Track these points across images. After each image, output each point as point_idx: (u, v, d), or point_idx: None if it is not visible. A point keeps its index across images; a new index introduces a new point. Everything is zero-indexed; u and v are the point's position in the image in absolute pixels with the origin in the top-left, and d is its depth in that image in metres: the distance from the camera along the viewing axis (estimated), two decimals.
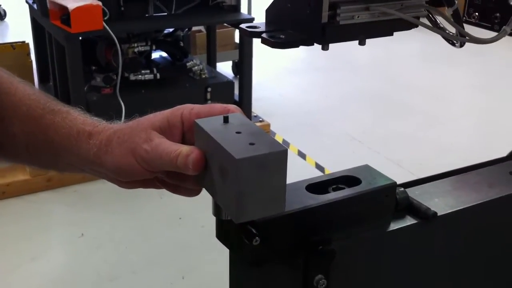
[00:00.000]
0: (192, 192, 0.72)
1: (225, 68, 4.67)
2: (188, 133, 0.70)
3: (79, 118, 0.73)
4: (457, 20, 0.66)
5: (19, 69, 3.69)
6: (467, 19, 1.15)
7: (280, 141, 3.74)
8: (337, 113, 4.26)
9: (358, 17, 0.62)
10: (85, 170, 0.73)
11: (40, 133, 0.72)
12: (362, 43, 0.65)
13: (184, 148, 0.65)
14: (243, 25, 0.67)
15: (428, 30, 0.69)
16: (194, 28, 4.31)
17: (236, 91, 3.75)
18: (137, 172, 0.68)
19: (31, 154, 0.75)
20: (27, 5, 3.80)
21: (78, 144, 0.71)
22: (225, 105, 0.69)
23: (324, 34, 0.62)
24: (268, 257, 0.71)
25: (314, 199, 0.74)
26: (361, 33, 0.64)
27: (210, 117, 0.68)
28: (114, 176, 0.71)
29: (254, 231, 0.68)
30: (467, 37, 0.66)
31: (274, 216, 0.67)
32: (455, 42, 0.70)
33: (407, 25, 0.65)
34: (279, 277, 0.74)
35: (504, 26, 0.66)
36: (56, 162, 0.75)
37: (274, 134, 3.82)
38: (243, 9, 3.83)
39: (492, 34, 0.76)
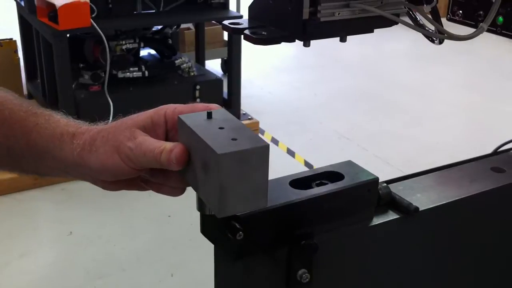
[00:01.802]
0: (176, 191, 0.72)
1: (214, 65, 4.67)
2: (171, 131, 0.71)
3: (61, 121, 0.74)
4: (435, 17, 0.67)
5: (6, 66, 3.67)
6: (451, 17, 1.17)
7: (269, 139, 3.75)
8: (326, 111, 4.28)
9: (338, 14, 0.63)
10: (68, 172, 0.73)
11: (22, 136, 0.72)
12: (343, 40, 0.66)
13: (168, 144, 0.66)
14: (226, 22, 0.67)
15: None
16: (183, 26, 4.30)
17: (225, 89, 3.75)
18: (122, 171, 0.69)
19: (12, 158, 0.74)
20: (14, 2, 3.77)
21: (61, 146, 0.71)
22: (207, 104, 0.70)
23: (305, 31, 0.63)
24: (252, 251, 0.72)
25: (297, 194, 0.75)
26: (342, 30, 0.65)
27: (194, 113, 0.69)
28: (98, 176, 0.71)
29: (237, 225, 0.69)
30: (445, 34, 0.67)
31: (258, 210, 0.68)
32: (434, 39, 0.72)
33: (388, 22, 0.66)
34: (263, 271, 0.75)
35: (481, 23, 0.67)
36: (37, 165, 0.74)
37: (263, 132, 3.83)
38: (232, 7, 3.83)
39: (472, 31, 0.77)
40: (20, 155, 0.73)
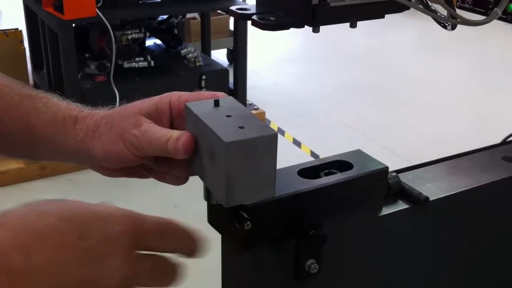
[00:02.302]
0: (180, 180, 0.71)
1: (219, 55, 4.65)
2: (176, 120, 0.69)
3: (61, 103, 0.72)
4: (448, 1, 0.65)
5: (12, 56, 3.66)
6: (461, 4, 1.15)
7: (276, 129, 3.74)
8: (332, 102, 4.26)
9: None
10: (67, 157, 0.72)
11: (19, 120, 0.70)
12: (353, 25, 0.65)
13: (174, 132, 0.65)
14: (233, 7, 0.66)
15: (422, 14, 0.69)
16: (188, 15, 4.29)
17: (231, 79, 3.74)
18: (126, 158, 0.67)
19: (7, 142, 0.72)
20: None
21: (64, 130, 0.69)
22: (213, 92, 0.69)
23: (315, 16, 0.62)
24: (260, 241, 0.71)
25: (305, 183, 0.74)
26: (352, 15, 0.64)
27: (201, 101, 0.68)
28: (101, 163, 0.70)
29: (245, 215, 0.67)
30: (458, 19, 0.65)
31: (266, 200, 0.67)
32: (446, 24, 0.70)
33: (399, 7, 0.64)
34: (271, 261, 0.74)
35: (495, 8, 0.66)
36: (34, 150, 0.73)
37: (269, 122, 3.82)
38: None
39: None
40: (15, 140, 0.71)
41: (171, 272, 0.58)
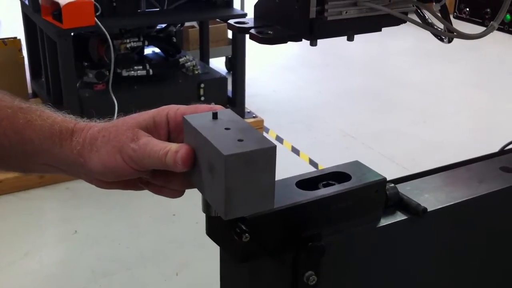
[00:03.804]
0: (176, 193, 0.71)
1: (218, 64, 4.66)
2: (173, 133, 0.70)
3: (56, 116, 0.71)
4: (444, 15, 0.66)
5: (10, 65, 3.67)
6: (458, 14, 1.15)
7: (274, 137, 3.74)
8: (331, 110, 4.26)
9: (346, 12, 0.62)
10: (62, 170, 0.71)
11: (14, 134, 0.69)
12: (350, 39, 0.65)
13: (173, 145, 0.65)
14: (231, 21, 0.66)
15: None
16: (187, 24, 4.30)
17: (230, 87, 3.74)
18: (123, 172, 0.67)
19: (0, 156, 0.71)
20: (18, 1, 3.77)
21: (61, 143, 0.69)
22: (211, 105, 0.69)
23: (312, 30, 0.62)
24: (258, 253, 0.71)
25: (304, 195, 0.74)
26: (349, 29, 0.64)
27: (199, 114, 0.68)
28: (98, 176, 0.70)
29: (243, 227, 0.68)
30: (454, 33, 0.66)
31: (264, 212, 0.67)
32: (443, 38, 0.70)
33: (395, 21, 0.65)
34: (269, 273, 0.74)
35: (492, 22, 0.66)
36: (27, 162, 0.72)
37: (268, 130, 3.82)
38: (236, 5, 3.82)
39: (482, 29, 0.76)
40: (8, 153, 0.71)
41: None
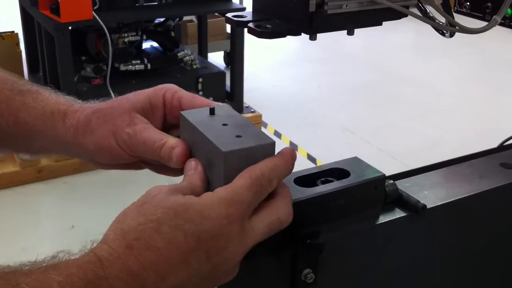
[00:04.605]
0: (177, 171, 0.70)
1: (216, 58, 4.64)
2: (169, 115, 0.69)
3: (51, 98, 0.71)
4: (446, 9, 0.65)
5: (8, 59, 3.65)
6: (459, 9, 1.14)
7: (272, 132, 3.73)
8: (330, 104, 4.25)
9: (346, 6, 0.61)
10: (61, 151, 0.71)
11: (10, 116, 0.70)
12: (350, 33, 0.64)
13: (170, 140, 0.64)
14: (229, 15, 0.65)
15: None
16: (185, 18, 4.28)
17: (228, 82, 3.73)
18: (118, 155, 0.67)
19: (2, 137, 0.72)
20: None
21: (53, 125, 0.69)
22: (208, 100, 0.69)
23: (312, 24, 0.61)
24: (256, 250, 0.70)
25: (302, 192, 0.73)
26: (349, 22, 0.63)
27: (196, 109, 0.67)
28: (94, 158, 0.69)
29: None
30: (456, 27, 0.65)
31: None
32: (445, 32, 0.69)
33: (396, 15, 0.64)
34: (267, 270, 0.73)
35: (494, 16, 0.65)
36: (29, 144, 0.73)
37: (266, 125, 3.81)
38: None
39: (483, 24, 0.75)
40: (9, 135, 0.71)
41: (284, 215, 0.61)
